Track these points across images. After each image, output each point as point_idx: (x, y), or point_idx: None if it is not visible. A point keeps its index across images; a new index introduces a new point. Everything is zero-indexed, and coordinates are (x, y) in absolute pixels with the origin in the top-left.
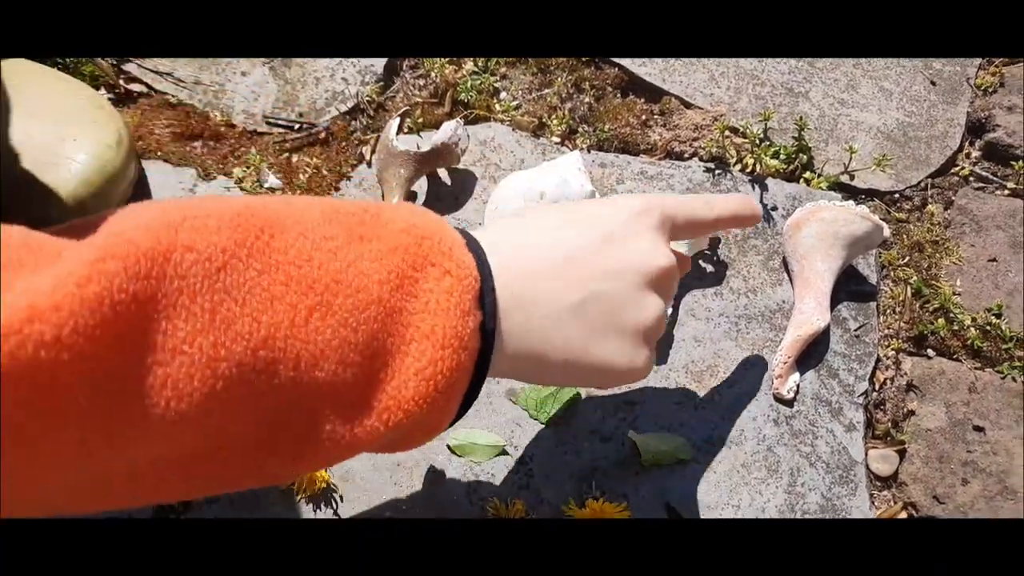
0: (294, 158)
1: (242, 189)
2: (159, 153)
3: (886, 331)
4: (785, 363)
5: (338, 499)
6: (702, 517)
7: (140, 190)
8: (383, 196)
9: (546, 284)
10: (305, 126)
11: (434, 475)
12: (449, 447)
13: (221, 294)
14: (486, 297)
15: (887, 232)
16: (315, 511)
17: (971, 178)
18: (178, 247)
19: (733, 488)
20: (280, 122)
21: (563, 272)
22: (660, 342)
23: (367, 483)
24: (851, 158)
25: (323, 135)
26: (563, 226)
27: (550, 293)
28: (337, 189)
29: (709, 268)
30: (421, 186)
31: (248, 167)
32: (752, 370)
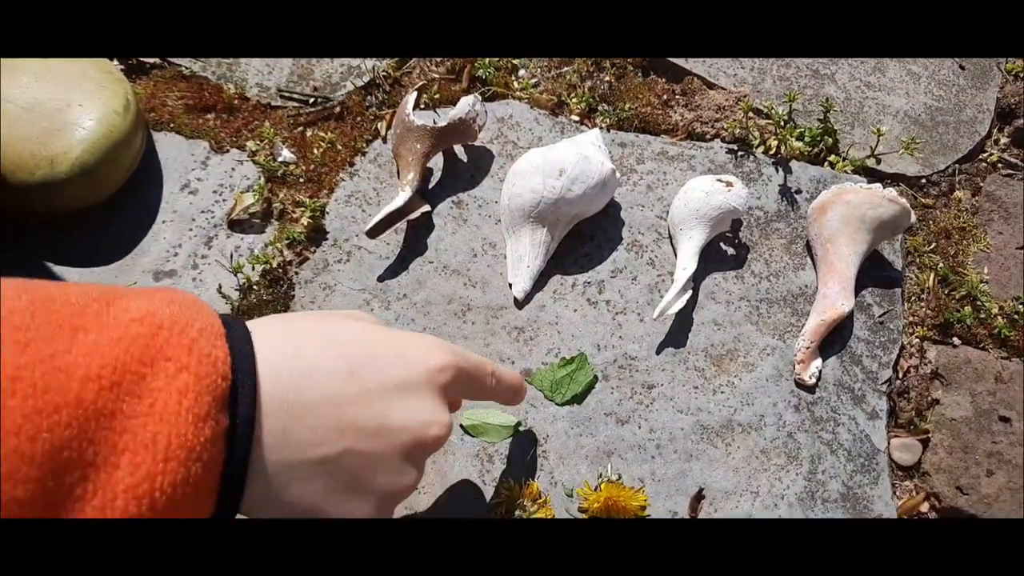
0: (308, 132)
1: (255, 163)
2: (172, 125)
3: (911, 318)
4: (807, 348)
5: None
6: (720, 503)
7: (150, 161)
8: (399, 171)
9: (302, 424)
10: (320, 100)
11: (447, 454)
12: (462, 427)
13: None
14: (241, 397)
15: (913, 217)
16: None
17: (999, 164)
18: None
19: (752, 474)
20: (295, 96)
21: (324, 414)
22: (678, 325)
23: None
24: (878, 141)
25: (338, 109)
26: (352, 360)
27: (303, 434)
28: (352, 164)
29: (730, 251)
30: (437, 163)
31: (262, 140)
32: (773, 355)
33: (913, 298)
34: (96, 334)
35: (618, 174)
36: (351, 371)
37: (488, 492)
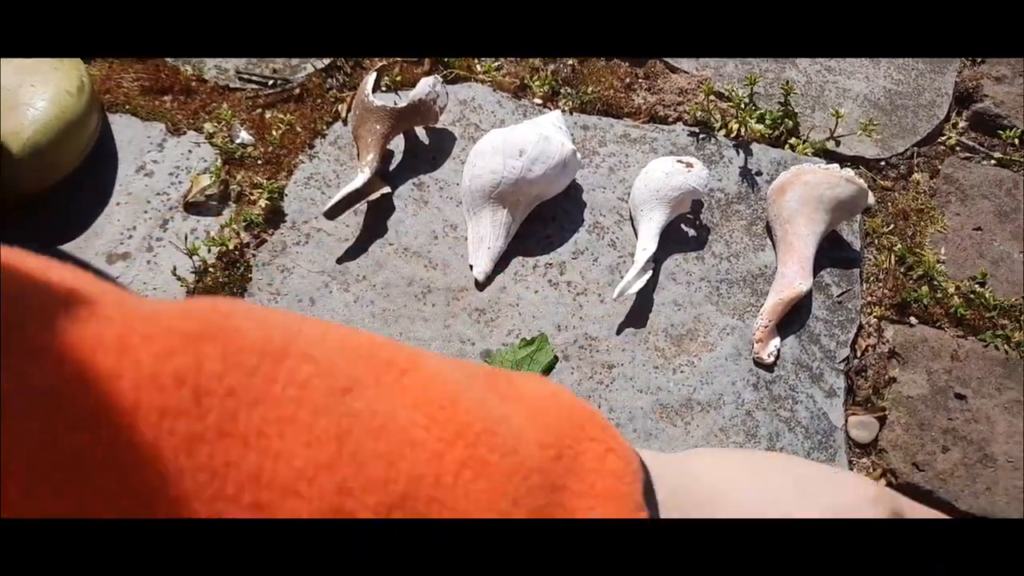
0: (267, 114)
1: (212, 145)
2: (127, 107)
3: (869, 298)
4: (766, 327)
5: None
6: None
7: (105, 143)
8: (358, 153)
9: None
10: (279, 82)
11: None
12: None
13: (348, 419)
14: (653, 494)
15: (871, 199)
16: None
17: (958, 148)
18: (293, 354)
19: None
20: (254, 77)
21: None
22: (639, 306)
23: None
24: (837, 123)
25: (298, 92)
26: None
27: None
28: (311, 146)
29: (691, 232)
30: (398, 145)
31: (219, 122)
32: (732, 335)
33: (871, 278)
34: (519, 403)
35: (579, 155)
36: (799, 488)
37: None
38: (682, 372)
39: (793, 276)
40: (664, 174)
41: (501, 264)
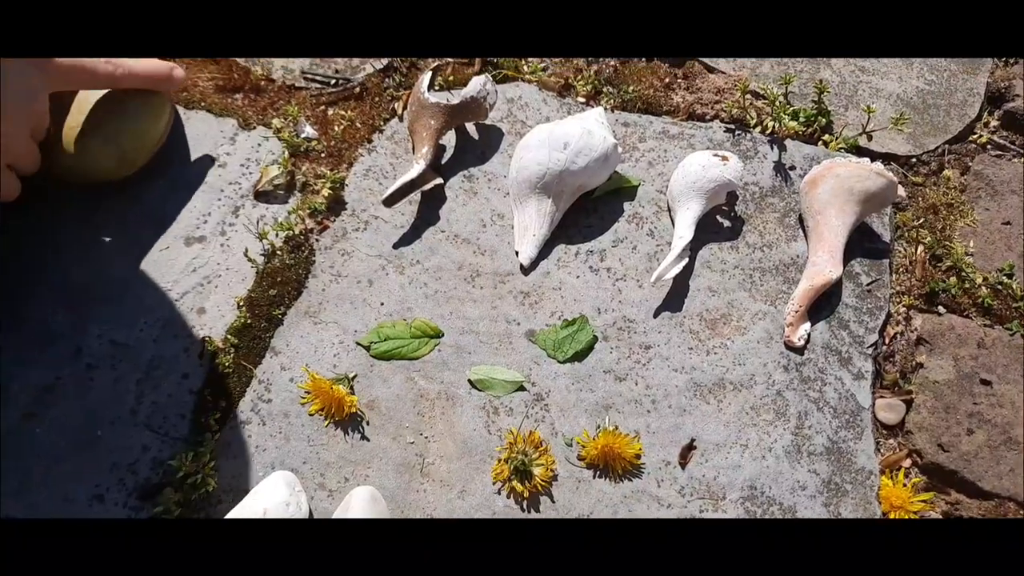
0: (330, 111)
1: (280, 139)
2: (202, 104)
3: (898, 288)
4: (797, 311)
5: (365, 424)
6: (711, 454)
7: (179, 137)
8: (413, 147)
9: None
10: (341, 82)
11: (455, 407)
12: (470, 381)
13: None
14: None
15: (901, 191)
16: (345, 435)
17: (988, 146)
18: None
19: (742, 428)
20: (317, 77)
21: None
22: (675, 291)
23: (392, 411)
24: (870, 118)
25: (358, 90)
26: None
27: None
28: (370, 141)
29: (726, 223)
30: (450, 140)
31: (286, 118)
32: (764, 319)
33: (900, 269)
34: None
35: (620, 149)
36: None
37: (494, 441)
38: (715, 354)
39: (824, 264)
40: (701, 167)
41: (545, 251)
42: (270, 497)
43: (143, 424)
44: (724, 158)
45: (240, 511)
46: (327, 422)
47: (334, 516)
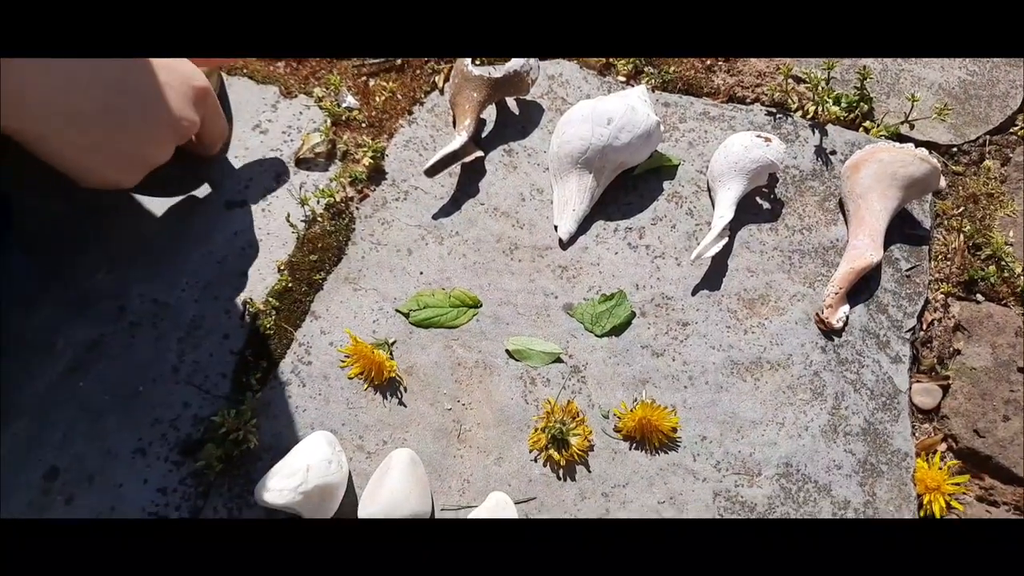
0: (371, 82)
1: (321, 108)
2: (244, 71)
3: (936, 275)
4: (836, 294)
5: (403, 390)
6: (747, 431)
7: (223, 103)
8: (455, 119)
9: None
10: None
11: (492, 375)
12: (508, 351)
13: None
14: None
15: (943, 182)
16: (384, 399)
17: None
18: None
19: (778, 407)
20: None
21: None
22: (714, 270)
23: (430, 378)
24: (912, 106)
25: (399, 63)
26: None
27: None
28: (411, 113)
29: (765, 205)
30: (490, 115)
31: (328, 88)
32: (803, 301)
33: (940, 257)
34: None
35: (662, 127)
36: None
37: (530, 411)
38: (753, 333)
39: (864, 247)
40: (743, 147)
41: (584, 226)
42: (312, 454)
43: (184, 382)
44: (767, 139)
45: (283, 466)
46: (366, 386)
47: (374, 477)
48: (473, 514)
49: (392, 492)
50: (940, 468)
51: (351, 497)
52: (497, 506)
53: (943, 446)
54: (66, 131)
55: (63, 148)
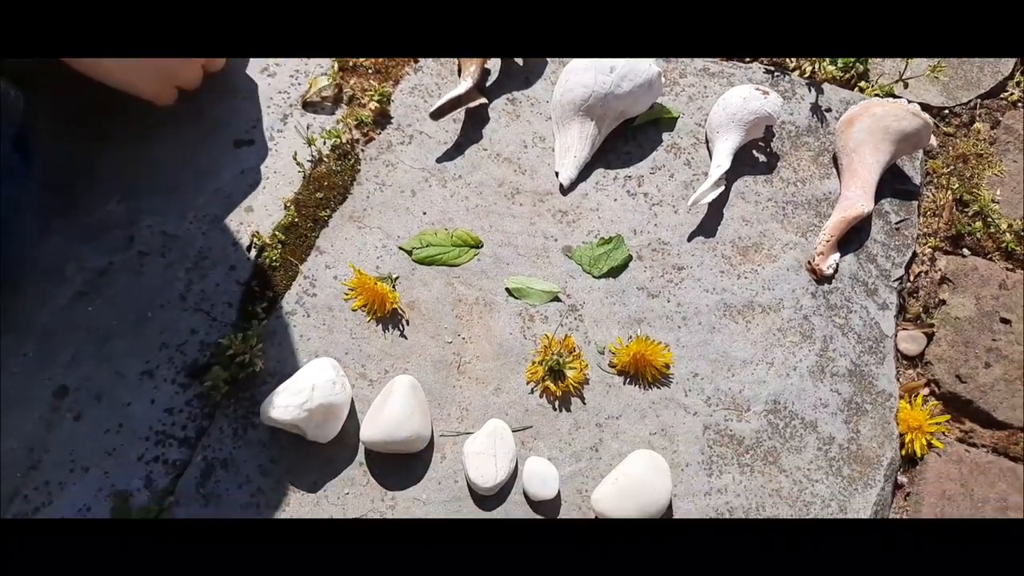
0: None
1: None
2: None
3: (924, 230)
4: (827, 242)
5: (405, 323)
6: (737, 370)
7: None
8: (459, 68)
9: None
10: None
11: (492, 312)
12: (507, 289)
13: None
14: None
15: (934, 141)
16: (386, 331)
17: (1020, 103)
18: None
19: (768, 348)
20: None
21: None
22: (709, 218)
23: (431, 312)
24: (907, 65)
25: None
26: None
27: None
28: (416, 61)
29: (761, 158)
30: (495, 65)
31: None
32: (795, 249)
33: (928, 213)
34: None
35: (663, 78)
36: None
37: (528, 346)
38: (746, 278)
39: (856, 198)
40: (742, 99)
41: (584, 173)
42: (317, 375)
43: (192, 309)
44: (765, 92)
45: (288, 386)
46: (369, 318)
47: (376, 401)
48: (471, 440)
49: (394, 414)
50: (922, 409)
51: (353, 420)
52: (495, 432)
53: (926, 390)
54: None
55: (111, 68)
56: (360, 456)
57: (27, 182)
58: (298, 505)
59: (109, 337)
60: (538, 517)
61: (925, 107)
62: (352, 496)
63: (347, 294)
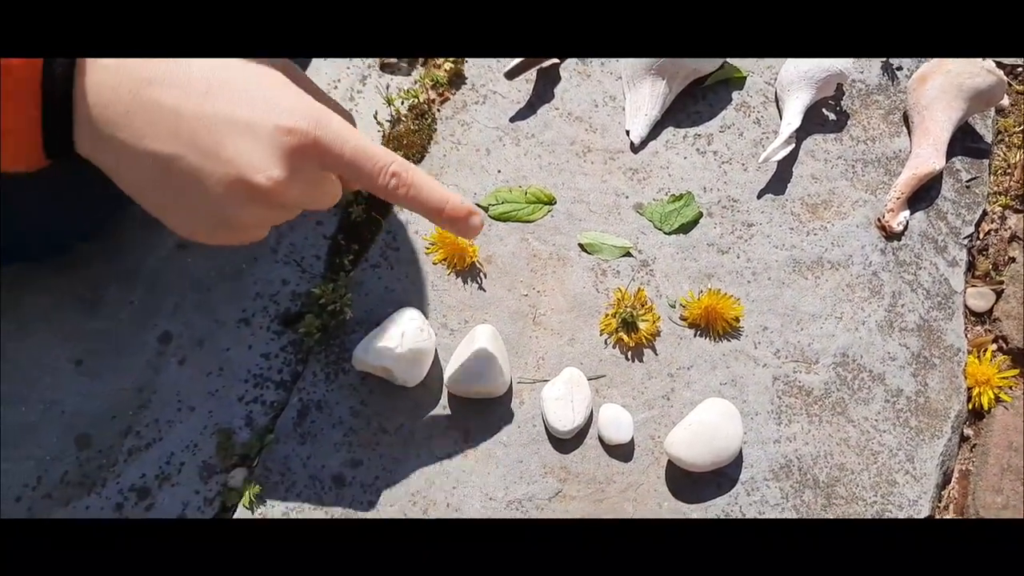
0: None
1: None
2: None
3: (995, 188)
4: (898, 199)
5: (483, 276)
6: (806, 324)
7: None
8: None
9: (144, 115)
10: None
11: (566, 266)
12: (580, 245)
13: None
14: (57, 65)
15: (1006, 100)
16: (464, 284)
17: None
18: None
19: (837, 303)
20: None
21: (166, 117)
22: (779, 176)
23: (507, 266)
24: None
25: None
26: (216, 84)
27: (141, 124)
28: None
29: (831, 116)
30: None
31: None
32: (864, 207)
33: (999, 172)
34: None
35: None
36: (208, 91)
37: (601, 299)
38: (815, 235)
39: (928, 155)
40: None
41: (654, 132)
42: (406, 323)
43: (283, 261)
44: None
45: (379, 332)
46: (449, 271)
47: (460, 347)
48: (548, 386)
49: (477, 360)
50: (991, 364)
51: (437, 367)
52: (571, 380)
53: (994, 346)
54: (137, 197)
55: (146, 206)
56: (444, 400)
57: None
58: (388, 445)
59: (208, 287)
60: (611, 460)
61: (999, 64)
62: (436, 437)
63: (428, 248)
